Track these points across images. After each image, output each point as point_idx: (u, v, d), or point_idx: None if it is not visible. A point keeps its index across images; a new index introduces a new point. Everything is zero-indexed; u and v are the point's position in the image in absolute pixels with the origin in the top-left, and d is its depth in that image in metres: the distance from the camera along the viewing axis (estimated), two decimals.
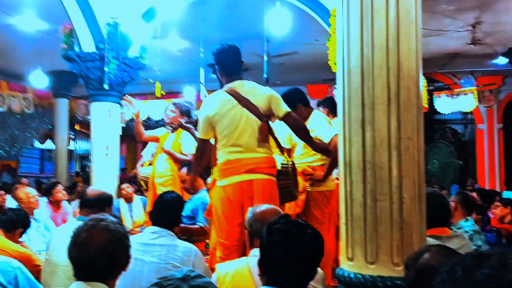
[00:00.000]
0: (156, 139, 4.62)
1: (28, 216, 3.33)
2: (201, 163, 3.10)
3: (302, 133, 3.02)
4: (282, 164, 2.98)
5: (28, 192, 4.31)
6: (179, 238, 2.63)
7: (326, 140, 3.38)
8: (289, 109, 2.92)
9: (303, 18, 6.48)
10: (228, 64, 2.94)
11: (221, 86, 2.95)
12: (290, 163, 3.08)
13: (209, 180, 3.28)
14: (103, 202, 2.80)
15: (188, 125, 3.95)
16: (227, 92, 2.85)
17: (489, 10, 6.82)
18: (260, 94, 2.87)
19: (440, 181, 9.24)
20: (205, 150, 2.99)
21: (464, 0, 6.47)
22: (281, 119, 2.92)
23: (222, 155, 2.85)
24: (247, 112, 2.79)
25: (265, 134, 2.82)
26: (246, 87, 2.86)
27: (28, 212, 4.28)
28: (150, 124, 13.09)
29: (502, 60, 9.00)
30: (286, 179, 3.00)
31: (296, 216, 3.36)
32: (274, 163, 2.89)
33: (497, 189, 10.14)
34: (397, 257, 1.91)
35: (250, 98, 2.81)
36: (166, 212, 2.57)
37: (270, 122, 2.91)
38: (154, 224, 2.56)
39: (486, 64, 9.83)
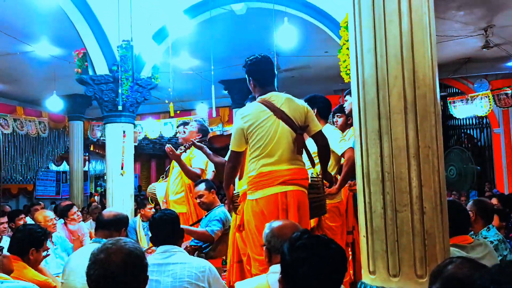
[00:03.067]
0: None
1: (35, 231, 3.09)
2: (234, 177, 2.99)
3: (328, 153, 2.98)
4: (312, 177, 2.94)
5: (46, 215, 4.32)
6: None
7: (339, 153, 3.37)
8: (321, 127, 2.92)
9: (312, 31, 6.52)
10: (263, 75, 2.88)
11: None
12: (320, 176, 3.03)
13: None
14: (120, 223, 2.79)
15: (201, 144, 3.96)
16: (261, 103, 2.79)
17: (500, 13, 6.77)
18: (296, 106, 2.82)
19: (458, 188, 9.06)
20: (239, 163, 2.92)
21: (474, 5, 6.44)
22: (312, 135, 2.89)
23: (254, 167, 2.76)
24: (283, 124, 2.74)
25: (300, 146, 2.77)
26: (281, 97, 2.81)
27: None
28: (162, 142, 13.24)
29: None
30: (317, 193, 2.96)
31: (311, 229, 3.34)
32: (306, 175, 2.85)
33: None
34: (420, 269, 1.86)
35: (285, 110, 2.76)
36: (161, 230, 2.53)
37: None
38: (159, 244, 2.52)
39: (499, 67, 9.72)
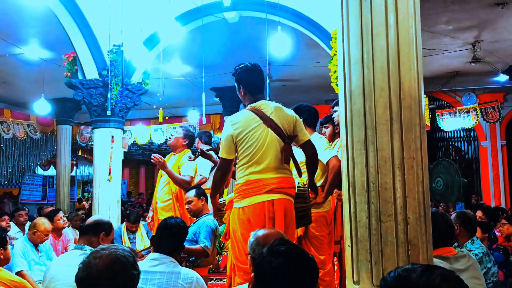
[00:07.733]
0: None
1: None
2: (222, 186, 2.99)
3: (315, 163, 2.98)
4: (299, 187, 2.94)
5: (47, 227, 4.37)
6: (181, 259, 2.58)
7: (324, 161, 3.39)
8: (309, 136, 2.92)
9: (304, 41, 6.57)
10: (253, 83, 2.88)
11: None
12: (307, 186, 3.03)
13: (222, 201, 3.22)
14: (98, 227, 2.78)
15: (210, 153, 3.97)
16: (251, 111, 2.79)
17: (488, 28, 6.90)
18: (285, 115, 2.82)
19: (445, 200, 9.14)
20: (228, 171, 2.91)
21: (463, 20, 6.55)
22: (301, 145, 2.89)
23: (241, 175, 2.76)
24: (271, 132, 2.74)
25: (288, 156, 2.77)
26: (270, 106, 2.81)
27: (33, 241, 4.28)
28: (152, 148, 13.16)
29: (502, 78, 9.05)
30: (303, 202, 2.96)
31: (297, 239, 3.33)
32: (293, 183, 2.84)
33: (503, 205, 10.03)
34: None
35: (274, 118, 2.76)
36: (168, 238, 2.52)
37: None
38: (155, 249, 2.52)
39: (487, 81, 9.90)
